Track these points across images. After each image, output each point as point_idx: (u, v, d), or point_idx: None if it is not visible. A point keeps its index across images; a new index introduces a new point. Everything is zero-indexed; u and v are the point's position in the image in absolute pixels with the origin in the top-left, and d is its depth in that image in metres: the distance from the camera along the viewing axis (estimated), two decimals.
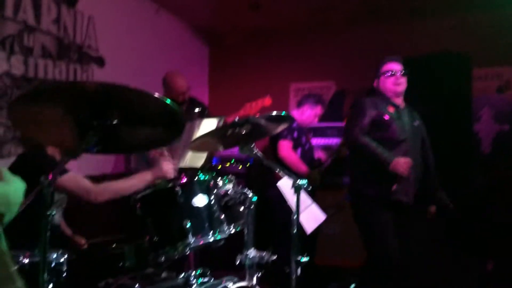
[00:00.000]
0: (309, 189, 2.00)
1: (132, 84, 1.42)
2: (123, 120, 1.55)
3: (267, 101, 3.66)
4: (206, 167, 2.63)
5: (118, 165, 3.99)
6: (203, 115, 3.58)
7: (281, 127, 2.14)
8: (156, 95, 1.46)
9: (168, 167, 2.23)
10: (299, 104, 4.11)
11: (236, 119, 1.91)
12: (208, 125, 2.54)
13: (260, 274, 1.99)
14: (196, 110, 3.71)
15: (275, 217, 3.64)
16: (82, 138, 1.53)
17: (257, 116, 1.90)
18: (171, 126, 1.64)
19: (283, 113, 1.94)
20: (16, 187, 1.17)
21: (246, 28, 5.46)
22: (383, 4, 4.71)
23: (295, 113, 4.00)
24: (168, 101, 1.49)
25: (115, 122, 1.54)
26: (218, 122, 2.56)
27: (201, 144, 2.03)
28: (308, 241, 2.36)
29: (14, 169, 2.31)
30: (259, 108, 3.62)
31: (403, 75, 3.12)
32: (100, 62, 4.05)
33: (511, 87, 4.68)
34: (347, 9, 4.87)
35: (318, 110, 4.02)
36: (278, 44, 5.51)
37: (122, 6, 4.35)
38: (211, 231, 1.82)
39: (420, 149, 3.18)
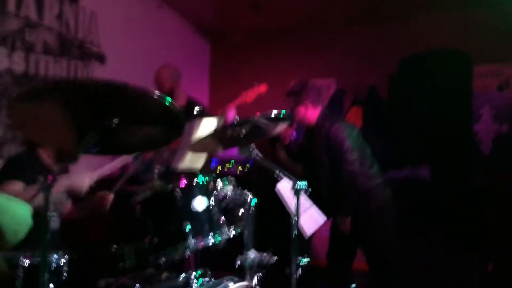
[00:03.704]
0: (309, 191, 2.00)
1: (133, 81, 1.40)
2: (123, 120, 1.54)
3: (262, 88, 3.64)
4: (205, 169, 2.62)
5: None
6: (203, 114, 3.57)
7: (280, 127, 2.12)
8: (156, 94, 1.45)
9: (83, 179, 2.16)
10: None
11: (236, 118, 1.91)
12: (208, 124, 2.53)
13: (260, 274, 1.99)
14: (196, 109, 3.70)
15: (276, 218, 3.62)
16: (81, 138, 1.52)
17: (257, 115, 1.88)
18: (171, 125, 1.64)
19: (283, 111, 1.93)
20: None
21: (248, 26, 5.45)
22: (383, 4, 4.69)
23: None
24: (168, 100, 1.47)
25: (115, 122, 1.53)
26: (218, 121, 2.55)
27: (201, 145, 2.02)
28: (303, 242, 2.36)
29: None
30: (255, 95, 3.61)
31: None
32: (101, 58, 4.04)
33: (511, 85, 4.66)
34: (347, 9, 4.86)
35: None
36: (279, 42, 5.50)
37: (124, 2, 4.35)
38: (211, 233, 1.82)
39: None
